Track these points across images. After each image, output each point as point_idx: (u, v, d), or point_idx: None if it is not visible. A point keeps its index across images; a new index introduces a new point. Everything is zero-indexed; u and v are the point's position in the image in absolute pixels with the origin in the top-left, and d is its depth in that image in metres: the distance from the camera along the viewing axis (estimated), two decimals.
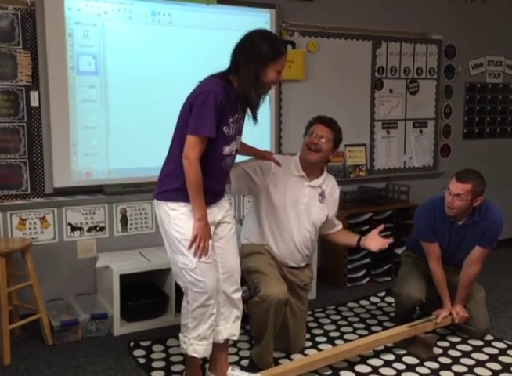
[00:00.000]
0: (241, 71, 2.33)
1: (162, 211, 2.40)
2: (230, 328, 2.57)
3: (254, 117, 2.47)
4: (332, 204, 3.06)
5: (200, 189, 2.31)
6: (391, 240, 2.95)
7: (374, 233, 2.97)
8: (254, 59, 2.31)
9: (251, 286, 2.77)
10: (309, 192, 2.95)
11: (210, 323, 2.43)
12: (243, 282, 2.80)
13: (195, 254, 2.33)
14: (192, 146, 2.27)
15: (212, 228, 2.44)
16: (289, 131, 4.14)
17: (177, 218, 2.35)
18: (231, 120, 2.37)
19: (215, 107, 2.26)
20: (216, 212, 2.48)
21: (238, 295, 2.59)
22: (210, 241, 2.41)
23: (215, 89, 2.28)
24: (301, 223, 2.93)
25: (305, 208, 2.93)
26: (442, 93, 4.85)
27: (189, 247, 2.33)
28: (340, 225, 3.16)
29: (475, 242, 3.12)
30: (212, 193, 2.45)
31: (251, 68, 2.31)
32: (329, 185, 3.04)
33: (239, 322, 2.61)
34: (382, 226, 2.97)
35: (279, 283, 2.74)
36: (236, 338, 2.63)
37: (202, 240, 2.32)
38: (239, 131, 2.49)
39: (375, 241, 2.94)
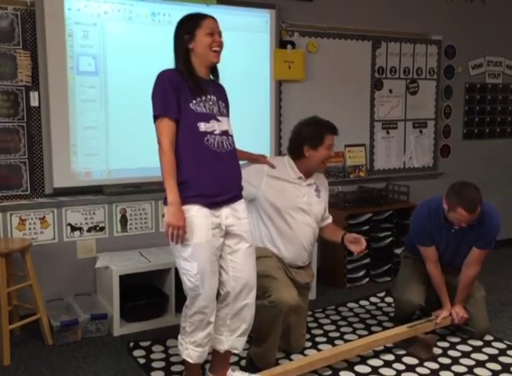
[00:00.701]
0: (175, 53, 2.40)
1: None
2: (233, 341, 2.51)
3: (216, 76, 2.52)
4: (325, 193, 3.09)
5: (174, 175, 2.26)
6: (364, 249, 2.92)
7: (354, 238, 2.95)
8: (179, 35, 2.39)
9: (260, 290, 2.70)
10: (307, 190, 2.97)
11: (207, 332, 2.40)
12: None
13: (171, 240, 2.27)
14: (161, 132, 2.28)
15: (221, 232, 2.38)
16: (288, 132, 4.06)
17: None
18: (198, 99, 2.35)
19: (164, 86, 2.30)
20: (226, 215, 2.39)
21: (250, 311, 2.50)
22: (216, 243, 2.36)
23: (162, 73, 2.35)
24: (306, 222, 2.95)
25: (307, 207, 2.94)
26: (442, 93, 4.85)
27: (166, 235, 2.27)
28: (330, 219, 3.16)
29: (473, 245, 3.11)
30: (213, 186, 2.33)
31: (180, 45, 2.38)
32: (318, 177, 3.08)
33: (245, 337, 2.54)
34: (364, 239, 2.96)
35: (290, 289, 2.73)
36: (237, 352, 2.57)
37: (176, 228, 2.23)
38: (220, 112, 2.43)
39: (358, 245, 2.93)
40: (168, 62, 2.38)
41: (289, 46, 4.08)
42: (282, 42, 4.05)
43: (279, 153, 4.08)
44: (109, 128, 3.50)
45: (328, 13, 4.22)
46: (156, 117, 2.30)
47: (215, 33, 2.39)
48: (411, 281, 3.26)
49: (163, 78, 2.33)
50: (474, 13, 4.90)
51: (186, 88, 2.33)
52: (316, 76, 4.23)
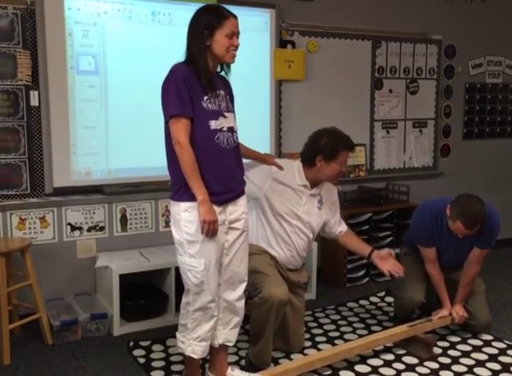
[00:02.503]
0: (192, 47, 2.34)
1: (175, 212, 2.38)
2: (227, 334, 2.54)
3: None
4: (331, 206, 3.07)
5: (196, 171, 2.26)
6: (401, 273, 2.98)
7: (387, 253, 3.01)
8: (199, 30, 2.32)
9: (251, 286, 2.76)
10: (309, 200, 2.95)
11: (211, 325, 2.42)
12: None
13: (206, 236, 2.29)
14: (177, 129, 2.26)
15: (225, 228, 2.40)
16: (288, 131, 4.14)
17: (188, 221, 2.32)
18: (210, 95, 2.34)
19: (178, 85, 2.26)
20: (230, 211, 2.42)
21: (241, 303, 2.54)
22: (222, 239, 2.39)
23: (175, 69, 2.32)
24: (302, 231, 2.95)
25: (305, 216, 2.94)
26: (442, 93, 4.85)
27: (202, 232, 2.28)
28: (345, 227, 3.16)
29: (474, 245, 3.10)
30: (222, 184, 2.35)
31: (198, 40, 2.32)
32: (326, 189, 3.04)
33: (237, 329, 2.58)
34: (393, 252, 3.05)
35: (281, 284, 2.74)
36: (231, 344, 2.60)
37: (211, 224, 2.27)
38: (228, 108, 2.43)
39: (390, 264, 2.97)
40: (168, 61, 2.37)
41: (289, 46, 4.08)
42: (282, 42, 4.05)
43: (279, 152, 4.08)
44: (109, 127, 3.50)
45: (328, 13, 4.21)
46: (171, 117, 2.27)
47: (235, 35, 2.35)
48: (412, 279, 3.25)
49: (176, 76, 2.29)
50: (474, 13, 4.90)
51: (198, 84, 2.31)
52: (316, 76, 4.22)
